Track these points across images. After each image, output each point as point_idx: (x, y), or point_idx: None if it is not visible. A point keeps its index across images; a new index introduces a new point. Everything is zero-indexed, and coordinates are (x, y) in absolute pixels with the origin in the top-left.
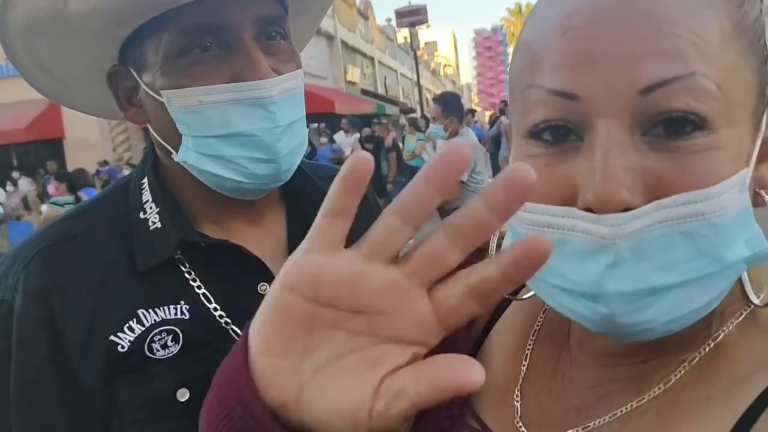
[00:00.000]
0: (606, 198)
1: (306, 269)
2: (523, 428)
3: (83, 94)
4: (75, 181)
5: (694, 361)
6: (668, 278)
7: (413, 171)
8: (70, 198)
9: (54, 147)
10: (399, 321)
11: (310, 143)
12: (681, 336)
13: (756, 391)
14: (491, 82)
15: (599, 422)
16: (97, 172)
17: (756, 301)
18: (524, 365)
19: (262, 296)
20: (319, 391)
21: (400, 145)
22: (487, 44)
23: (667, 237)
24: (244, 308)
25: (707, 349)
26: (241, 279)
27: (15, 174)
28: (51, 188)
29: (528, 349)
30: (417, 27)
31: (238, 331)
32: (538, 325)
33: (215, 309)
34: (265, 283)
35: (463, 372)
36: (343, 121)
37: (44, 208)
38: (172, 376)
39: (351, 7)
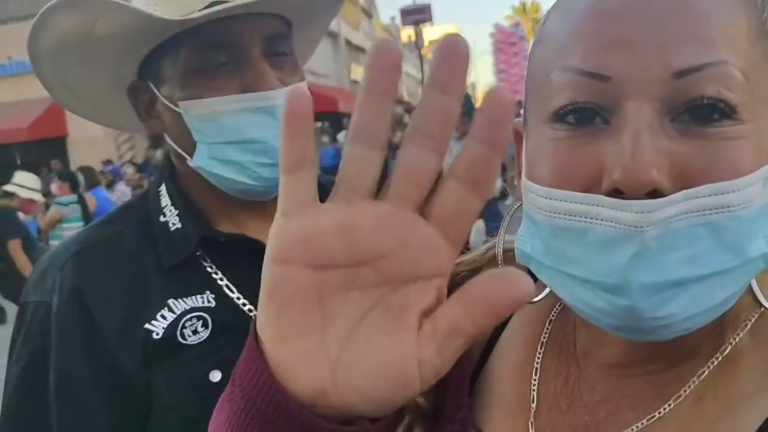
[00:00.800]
0: (635, 177)
1: (290, 236)
2: None
3: (101, 109)
4: (77, 179)
5: (704, 375)
6: (692, 270)
7: None
8: (73, 197)
9: (57, 145)
10: (406, 256)
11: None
12: (691, 345)
13: (764, 415)
14: (516, 78)
15: None
16: (102, 172)
17: (767, 304)
18: (534, 381)
19: None
20: (354, 362)
21: None
22: (511, 40)
23: (692, 228)
24: None
25: (717, 361)
26: (259, 269)
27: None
28: (54, 187)
29: (537, 363)
30: (421, 25)
31: None
32: (544, 337)
33: (238, 298)
34: None
35: (514, 283)
36: (346, 120)
37: (52, 209)
38: (204, 359)
39: (355, 5)
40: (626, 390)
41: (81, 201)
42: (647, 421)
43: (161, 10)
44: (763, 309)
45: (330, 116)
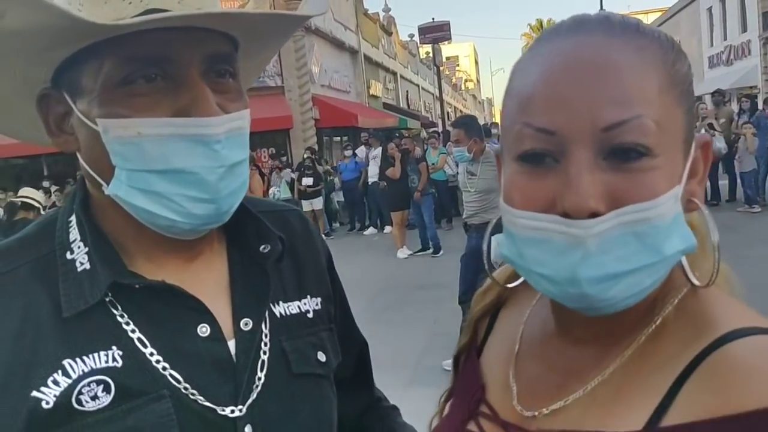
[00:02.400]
0: (578, 206)
1: None
2: (520, 409)
3: (6, 117)
4: None
5: (642, 340)
6: (624, 266)
7: (435, 184)
8: None
9: None
10: None
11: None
12: (631, 320)
13: (683, 364)
14: None
15: (575, 396)
16: None
17: (696, 282)
18: (513, 358)
19: (202, 339)
20: None
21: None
22: None
23: (622, 236)
24: (182, 352)
25: (650, 330)
26: (179, 321)
27: (45, 183)
28: None
29: (517, 345)
30: (439, 43)
31: (177, 377)
32: (524, 323)
33: (151, 354)
34: (205, 325)
35: None
36: (363, 135)
37: None
38: (102, 429)
39: (374, 23)
40: (587, 357)
41: None
42: (601, 377)
43: (86, 12)
44: (688, 288)
45: (349, 131)
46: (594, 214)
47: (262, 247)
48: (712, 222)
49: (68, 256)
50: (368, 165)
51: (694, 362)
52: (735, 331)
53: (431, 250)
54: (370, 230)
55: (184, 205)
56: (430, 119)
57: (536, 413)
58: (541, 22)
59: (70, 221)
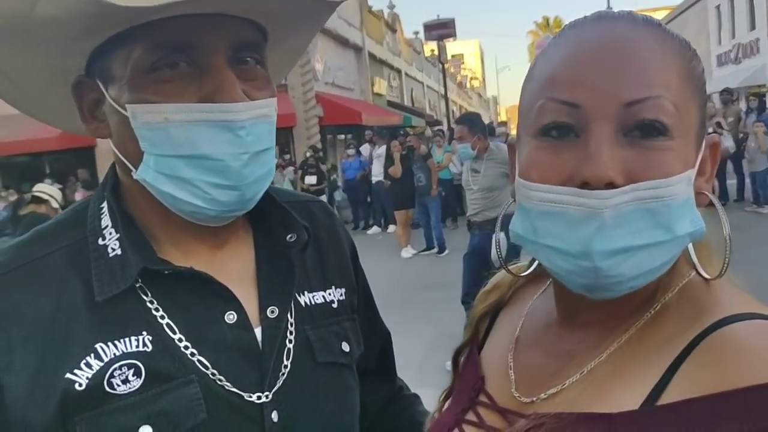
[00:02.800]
0: (597, 174)
1: None
2: (519, 396)
3: (43, 104)
4: None
5: (640, 324)
6: (636, 241)
7: (441, 182)
8: None
9: (86, 155)
10: None
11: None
12: (634, 304)
13: (682, 345)
14: None
15: (572, 380)
16: None
17: (703, 273)
18: (511, 349)
19: (229, 325)
20: None
21: None
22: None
23: (637, 211)
24: (209, 338)
25: (650, 314)
26: (207, 308)
27: (47, 181)
28: (78, 196)
29: (516, 333)
30: (444, 40)
31: (205, 362)
32: (524, 315)
33: (180, 340)
34: (232, 312)
35: None
36: (367, 132)
37: None
38: (134, 413)
39: (379, 19)
40: (584, 342)
41: None
42: (597, 360)
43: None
44: (691, 275)
45: (353, 128)
46: (611, 186)
47: (289, 236)
48: (724, 214)
49: (100, 241)
50: (372, 163)
51: (692, 343)
52: (734, 316)
53: (436, 250)
54: (374, 229)
55: (208, 192)
56: (435, 117)
57: (534, 399)
58: (547, 20)
59: (102, 208)
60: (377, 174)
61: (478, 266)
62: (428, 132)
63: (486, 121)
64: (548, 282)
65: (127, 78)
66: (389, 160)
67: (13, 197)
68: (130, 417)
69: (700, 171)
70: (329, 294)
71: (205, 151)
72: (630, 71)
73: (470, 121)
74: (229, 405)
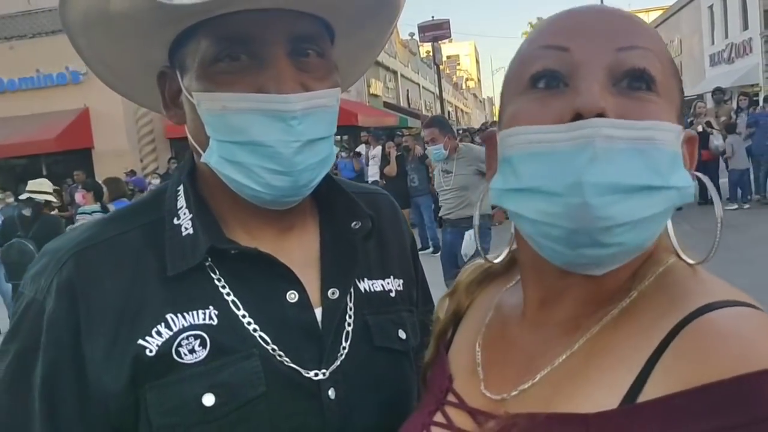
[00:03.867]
0: (589, 104)
1: None
2: (488, 394)
3: (136, 88)
4: (102, 191)
5: (615, 312)
6: (629, 180)
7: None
8: (96, 206)
9: (83, 157)
10: None
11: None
12: (608, 290)
13: (661, 335)
14: None
15: (543, 373)
16: (125, 182)
17: (685, 257)
18: (479, 343)
19: (290, 304)
20: None
21: None
22: None
23: (629, 150)
24: (271, 316)
25: (625, 304)
26: (270, 287)
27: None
28: (78, 197)
29: (483, 329)
30: (440, 41)
31: (266, 338)
32: (491, 310)
33: (243, 316)
34: (294, 292)
35: None
36: (363, 134)
37: (79, 220)
38: (198, 381)
39: None
40: (554, 334)
41: (104, 211)
42: (569, 351)
43: None
44: (668, 262)
45: (349, 129)
46: (603, 116)
47: (354, 223)
48: (716, 195)
49: (175, 221)
50: (368, 164)
51: (671, 333)
52: (712, 304)
53: (431, 250)
54: None
55: (263, 176)
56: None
57: (505, 396)
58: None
59: (178, 190)
60: (373, 175)
61: (454, 262)
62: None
63: (482, 121)
64: (517, 278)
65: (196, 69)
66: (385, 160)
67: (10, 199)
68: (195, 385)
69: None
70: (388, 283)
71: (258, 138)
72: (622, 23)
73: (440, 122)
74: (287, 380)
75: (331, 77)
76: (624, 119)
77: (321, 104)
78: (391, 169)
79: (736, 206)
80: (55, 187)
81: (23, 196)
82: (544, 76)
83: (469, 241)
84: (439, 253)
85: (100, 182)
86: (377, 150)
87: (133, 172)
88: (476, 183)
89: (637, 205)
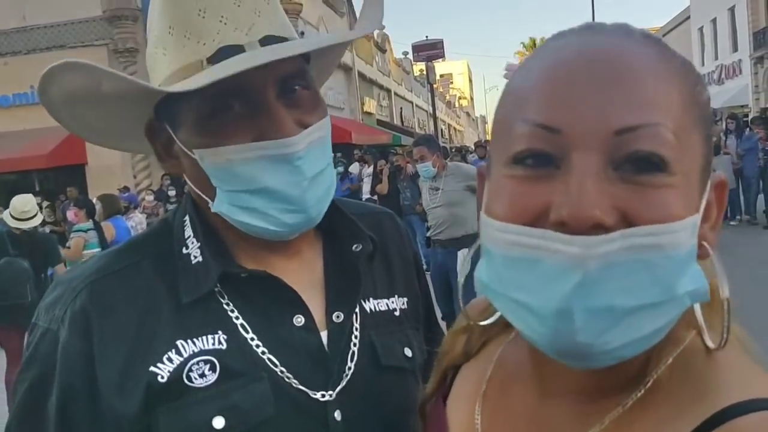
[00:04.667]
0: (579, 214)
1: None
2: None
3: (125, 141)
4: (94, 209)
5: (628, 405)
6: (627, 301)
7: None
8: (89, 224)
9: (76, 173)
10: None
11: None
12: (621, 377)
13: None
14: None
15: None
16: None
17: (710, 343)
18: (478, 406)
19: (297, 328)
20: None
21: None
22: None
23: (630, 263)
24: (279, 339)
25: (640, 393)
26: (277, 311)
27: (37, 199)
28: (71, 214)
29: (483, 387)
30: (433, 61)
31: (275, 361)
32: (494, 363)
33: (252, 339)
34: (300, 316)
35: None
36: (356, 152)
37: (75, 239)
38: (208, 404)
39: (369, 40)
40: (561, 415)
41: (97, 228)
42: None
43: (170, 55)
44: (687, 343)
45: (343, 147)
46: (599, 228)
47: (355, 246)
48: (722, 273)
49: (184, 250)
50: (362, 181)
51: None
52: (742, 404)
53: (425, 267)
54: None
55: (277, 217)
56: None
57: None
58: (534, 41)
59: (185, 220)
60: (365, 192)
61: (444, 284)
62: None
63: (474, 139)
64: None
65: (191, 125)
66: (376, 178)
67: (2, 215)
68: (205, 408)
69: (704, 216)
70: (392, 302)
71: (267, 184)
72: (622, 90)
73: (428, 141)
74: (295, 401)
75: (320, 106)
76: (626, 219)
77: (318, 137)
78: (383, 187)
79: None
80: (48, 202)
81: (11, 223)
82: (532, 156)
83: (463, 261)
84: (429, 272)
85: (92, 199)
86: (372, 169)
87: (126, 189)
88: (465, 199)
89: (636, 325)
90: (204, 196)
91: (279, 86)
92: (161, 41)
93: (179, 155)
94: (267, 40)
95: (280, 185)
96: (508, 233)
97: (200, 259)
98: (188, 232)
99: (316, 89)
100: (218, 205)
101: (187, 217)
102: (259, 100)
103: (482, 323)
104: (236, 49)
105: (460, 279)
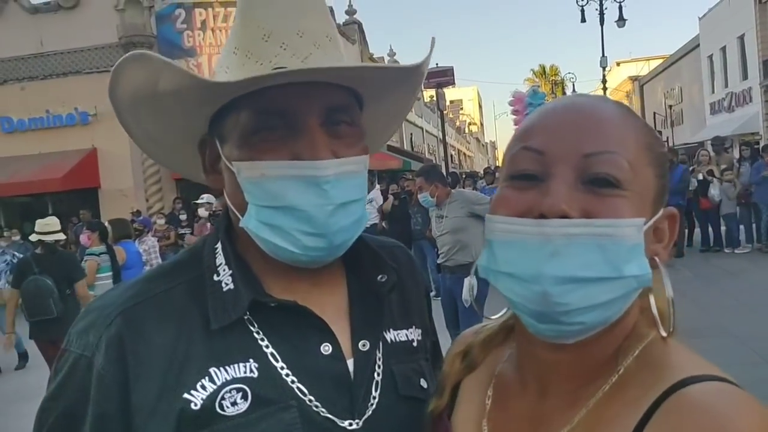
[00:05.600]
0: (552, 206)
1: None
2: None
3: (177, 159)
4: (107, 232)
5: (606, 388)
6: (585, 272)
7: None
8: (102, 247)
9: (89, 196)
10: None
11: None
12: (596, 367)
13: (645, 406)
14: None
15: None
16: (132, 221)
17: (662, 331)
18: (485, 415)
19: (324, 356)
20: None
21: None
22: (523, 105)
23: (587, 245)
24: (307, 367)
25: (615, 378)
26: (305, 339)
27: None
28: (83, 238)
29: (488, 401)
30: (444, 88)
31: (303, 389)
32: (488, 399)
33: (282, 368)
34: (328, 344)
35: None
36: (371, 177)
37: (88, 262)
38: None
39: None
40: (551, 408)
41: (110, 251)
42: (569, 425)
43: (231, 73)
44: (649, 339)
45: None
46: (565, 217)
47: (380, 276)
48: (666, 277)
49: (215, 278)
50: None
51: (653, 406)
52: (690, 378)
53: (433, 293)
54: None
55: (300, 239)
56: (434, 162)
57: None
58: (543, 68)
59: (216, 248)
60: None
61: (453, 310)
62: None
63: (484, 165)
64: (514, 347)
65: (236, 139)
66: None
67: (17, 237)
68: None
69: (657, 237)
70: (410, 333)
71: (294, 202)
72: (590, 128)
73: (426, 172)
74: (323, 430)
75: (360, 144)
76: (586, 217)
77: (351, 170)
78: (387, 205)
79: (730, 250)
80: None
81: (33, 238)
82: (523, 176)
83: (468, 288)
84: (440, 298)
85: (105, 222)
86: (372, 194)
87: (138, 213)
88: (468, 225)
89: (592, 293)
90: (237, 213)
91: (324, 115)
92: (226, 60)
93: (222, 170)
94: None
95: (305, 206)
96: (502, 223)
97: (231, 286)
98: (220, 259)
99: (361, 128)
100: (247, 220)
101: (219, 245)
102: (302, 123)
103: (494, 317)
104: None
105: (466, 304)
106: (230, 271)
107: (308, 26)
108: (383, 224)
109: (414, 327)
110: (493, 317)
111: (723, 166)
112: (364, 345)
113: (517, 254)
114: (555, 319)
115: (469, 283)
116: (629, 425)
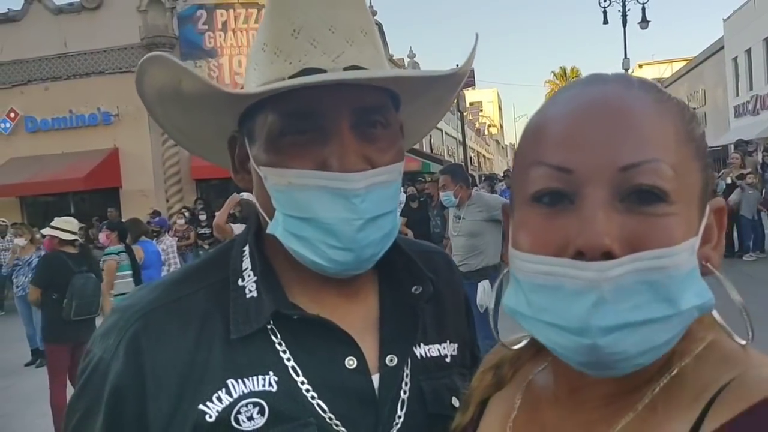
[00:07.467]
0: (592, 243)
1: None
2: None
3: (209, 151)
4: (126, 231)
5: (656, 390)
6: (638, 316)
7: None
8: (121, 247)
9: (110, 196)
10: None
11: None
12: (643, 378)
13: (704, 402)
14: None
15: None
16: (148, 222)
17: (738, 339)
18: (509, 427)
19: (348, 371)
20: None
21: None
22: None
23: (637, 284)
24: (330, 383)
25: (666, 380)
26: (329, 353)
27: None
28: (102, 237)
29: (514, 412)
30: (464, 89)
31: (324, 407)
32: (516, 405)
33: (302, 383)
34: (353, 358)
35: None
36: None
37: (108, 261)
38: None
39: (399, 67)
40: (593, 420)
41: (129, 251)
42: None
43: (259, 71)
44: (709, 340)
45: None
46: (608, 255)
47: (414, 288)
48: (729, 284)
49: (240, 282)
50: None
51: (713, 398)
52: (754, 368)
53: None
54: None
55: (326, 252)
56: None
57: None
58: (564, 70)
59: (244, 251)
60: None
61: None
62: None
63: (503, 167)
64: (549, 358)
65: (263, 141)
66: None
67: (38, 235)
68: None
69: (705, 238)
70: (444, 348)
71: (320, 215)
72: (624, 133)
73: (452, 171)
74: None
75: (395, 147)
76: (632, 245)
77: (383, 180)
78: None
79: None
80: (82, 225)
81: (45, 231)
82: (547, 194)
83: (483, 293)
84: None
85: (124, 221)
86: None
87: (157, 213)
88: (485, 230)
89: (649, 336)
90: (265, 217)
91: (356, 117)
92: (255, 56)
93: (251, 170)
94: (352, 69)
95: (332, 220)
96: (533, 263)
97: (255, 294)
98: (246, 263)
99: (397, 131)
100: (274, 227)
101: (246, 248)
102: (331, 126)
103: (514, 347)
104: (318, 72)
105: (490, 310)
106: (255, 278)
107: (341, 19)
108: (404, 228)
109: (449, 342)
110: (508, 343)
111: (748, 169)
112: (391, 360)
113: (555, 301)
114: (609, 367)
115: (483, 288)
116: (690, 419)
